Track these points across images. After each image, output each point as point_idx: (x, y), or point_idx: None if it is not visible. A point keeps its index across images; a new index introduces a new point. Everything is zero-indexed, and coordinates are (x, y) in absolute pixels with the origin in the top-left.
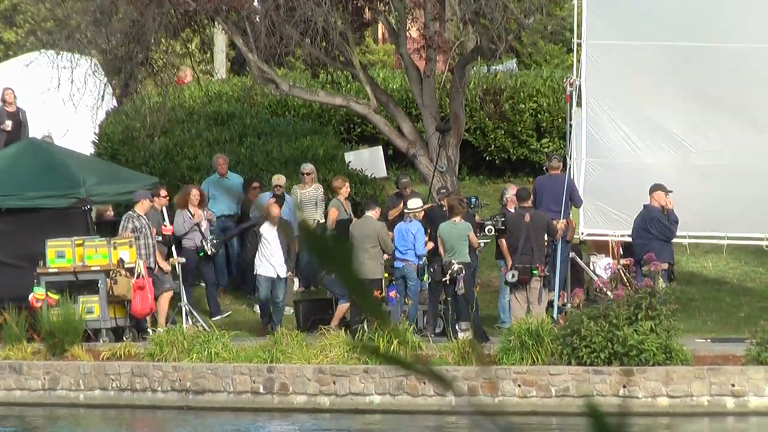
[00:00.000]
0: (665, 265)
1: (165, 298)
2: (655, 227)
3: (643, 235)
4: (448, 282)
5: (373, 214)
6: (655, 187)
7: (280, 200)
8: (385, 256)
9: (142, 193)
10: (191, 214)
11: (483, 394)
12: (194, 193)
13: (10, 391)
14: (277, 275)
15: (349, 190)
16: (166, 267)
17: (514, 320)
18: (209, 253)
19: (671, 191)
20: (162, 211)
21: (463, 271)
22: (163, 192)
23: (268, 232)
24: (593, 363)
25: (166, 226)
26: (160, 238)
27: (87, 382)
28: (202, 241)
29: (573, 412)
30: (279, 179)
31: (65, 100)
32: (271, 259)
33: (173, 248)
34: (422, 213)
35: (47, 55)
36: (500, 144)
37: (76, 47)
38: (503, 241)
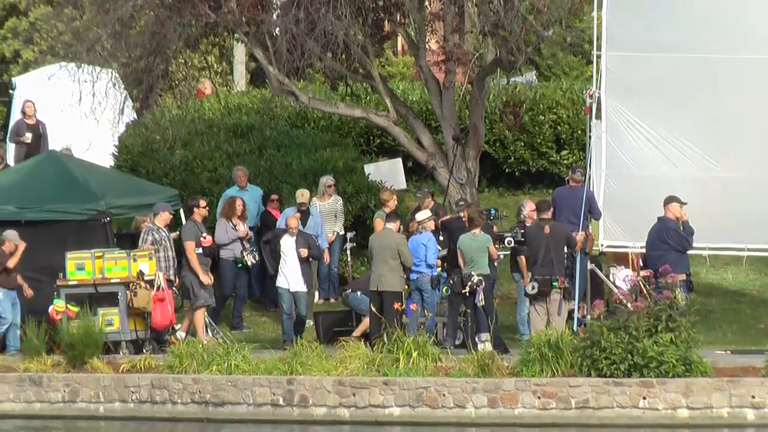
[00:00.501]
0: (683, 276)
1: (201, 313)
2: (671, 238)
3: (660, 246)
4: (467, 294)
5: (393, 226)
6: (670, 199)
7: (305, 215)
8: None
9: (162, 206)
10: (233, 225)
11: (503, 406)
12: (239, 204)
13: (30, 404)
14: (295, 289)
15: (396, 203)
16: (207, 280)
17: (533, 332)
18: (249, 264)
19: (686, 203)
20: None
21: (483, 283)
22: (203, 203)
23: (286, 245)
24: (613, 375)
25: (205, 238)
26: (201, 250)
27: (107, 394)
28: (242, 252)
29: (593, 424)
30: (303, 196)
31: (86, 113)
32: (286, 272)
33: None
34: (431, 222)
35: (68, 69)
36: (520, 156)
37: (96, 60)
38: (522, 257)
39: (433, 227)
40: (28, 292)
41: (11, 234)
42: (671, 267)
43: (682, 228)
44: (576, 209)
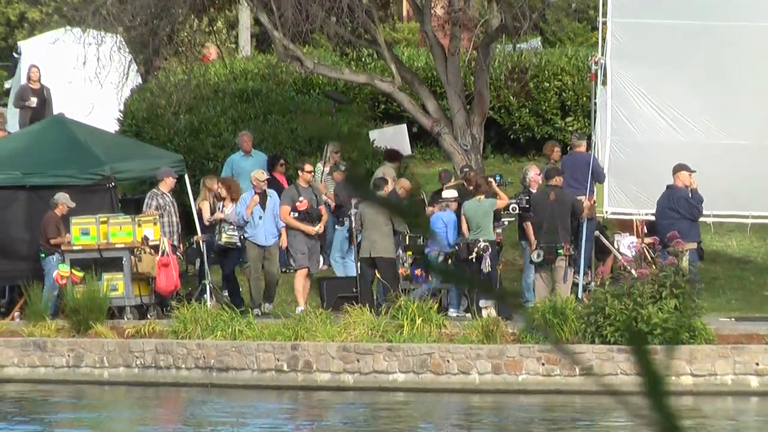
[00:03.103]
0: (694, 245)
1: (301, 276)
2: (682, 207)
3: (670, 215)
4: (474, 260)
5: (383, 193)
6: (679, 167)
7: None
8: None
9: (166, 171)
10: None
11: (507, 373)
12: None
13: (34, 368)
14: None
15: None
16: (311, 230)
17: (538, 299)
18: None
19: (695, 171)
20: (310, 186)
21: (490, 249)
22: (309, 167)
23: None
24: (617, 342)
25: (301, 202)
26: (296, 214)
27: (111, 359)
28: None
29: (597, 391)
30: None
31: (91, 78)
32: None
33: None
34: (455, 204)
35: (73, 33)
36: (525, 122)
37: (101, 24)
38: (528, 224)
39: (455, 208)
40: None
41: (63, 196)
42: (682, 235)
43: (691, 196)
44: (576, 174)
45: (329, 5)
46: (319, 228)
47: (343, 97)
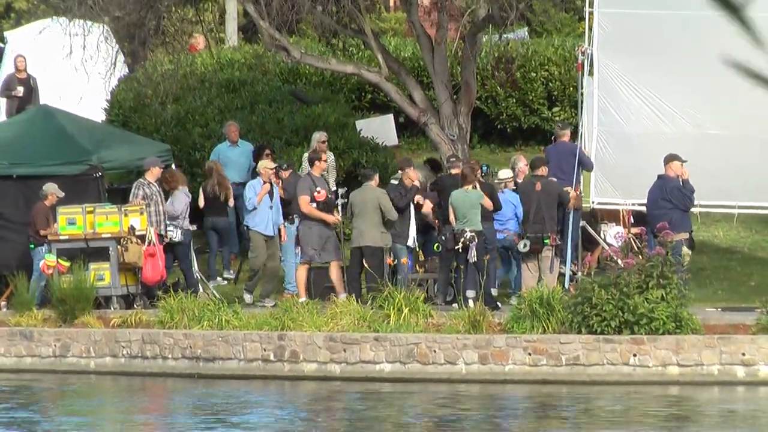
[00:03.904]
0: (686, 235)
1: (302, 270)
2: (675, 197)
3: (663, 205)
4: (460, 250)
5: (372, 183)
6: (671, 157)
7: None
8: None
9: (153, 160)
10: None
11: (494, 363)
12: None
13: (20, 358)
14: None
15: None
16: (333, 219)
17: (525, 289)
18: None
19: (686, 161)
20: (323, 176)
21: (476, 239)
22: (324, 156)
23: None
24: (603, 332)
25: (319, 192)
26: (315, 205)
27: (98, 349)
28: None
29: (583, 381)
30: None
31: (77, 67)
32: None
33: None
34: (512, 183)
35: (59, 22)
36: (511, 112)
37: (87, 14)
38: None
39: (513, 187)
40: None
41: (52, 187)
42: (675, 226)
43: (683, 186)
44: (561, 164)
45: None
46: (338, 217)
47: (306, 96)
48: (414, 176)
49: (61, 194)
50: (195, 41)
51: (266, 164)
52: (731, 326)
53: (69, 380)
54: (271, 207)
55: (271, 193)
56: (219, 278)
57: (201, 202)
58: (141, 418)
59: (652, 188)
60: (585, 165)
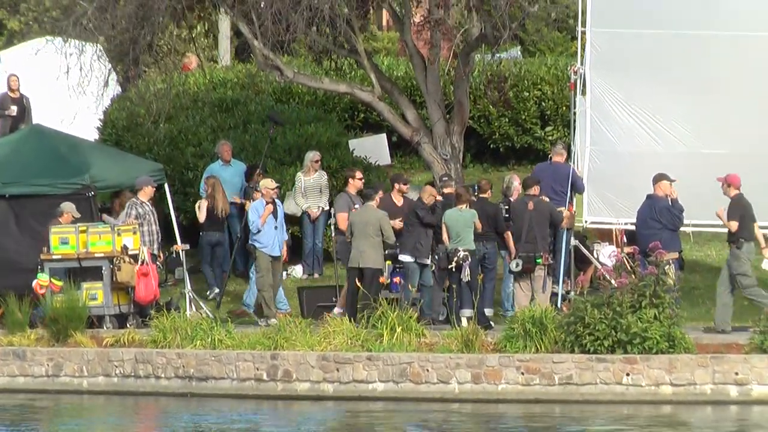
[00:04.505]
0: (675, 255)
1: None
2: (664, 217)
3: (651, 225)
4: (453, 269)
5: (373, 203)
6: (660, 177)
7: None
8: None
9: (145, 180)
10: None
11: (486, 382)
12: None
13: (13, 378)
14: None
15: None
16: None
17: (517, 308)
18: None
19: (675, 180)
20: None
21: (469, 258)
22: (359, 174)
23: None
24: (597, 351)
25: (356, 208)
26: None
27: (90, 368)
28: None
29: (576, 400)
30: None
31: (70, 87)
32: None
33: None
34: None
35: (54, 43)
36: (504, 132)
37: (81, 34)
38: (508, 234)
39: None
40: None
41: (68, 206)
42: (664, 246)
43: (672, 205)
44: (555, 185)
45: (310, 15)
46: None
47: (281, 120)
48: (434, 192)
49: (78, 215)
50: (188, 60)
51: (267, 183)
52: (724, 346)
53: (62, 400)
54: (276, 227)
55: (275, 213)
56: (216, 289)
57: (201, 217)
58: None
59: (641, 208)
60: (577, 188)
